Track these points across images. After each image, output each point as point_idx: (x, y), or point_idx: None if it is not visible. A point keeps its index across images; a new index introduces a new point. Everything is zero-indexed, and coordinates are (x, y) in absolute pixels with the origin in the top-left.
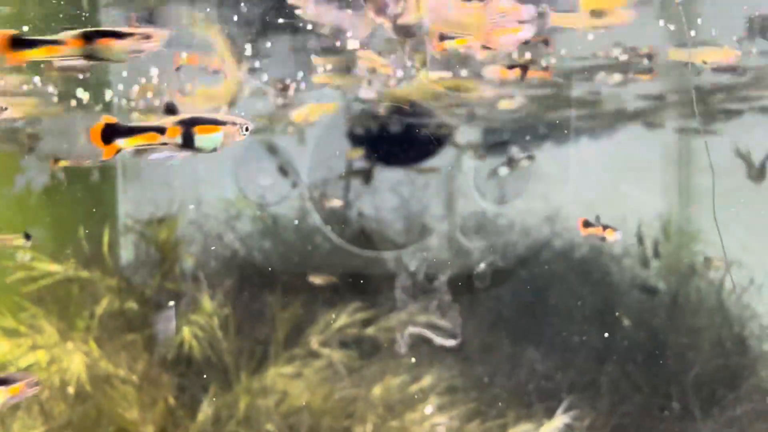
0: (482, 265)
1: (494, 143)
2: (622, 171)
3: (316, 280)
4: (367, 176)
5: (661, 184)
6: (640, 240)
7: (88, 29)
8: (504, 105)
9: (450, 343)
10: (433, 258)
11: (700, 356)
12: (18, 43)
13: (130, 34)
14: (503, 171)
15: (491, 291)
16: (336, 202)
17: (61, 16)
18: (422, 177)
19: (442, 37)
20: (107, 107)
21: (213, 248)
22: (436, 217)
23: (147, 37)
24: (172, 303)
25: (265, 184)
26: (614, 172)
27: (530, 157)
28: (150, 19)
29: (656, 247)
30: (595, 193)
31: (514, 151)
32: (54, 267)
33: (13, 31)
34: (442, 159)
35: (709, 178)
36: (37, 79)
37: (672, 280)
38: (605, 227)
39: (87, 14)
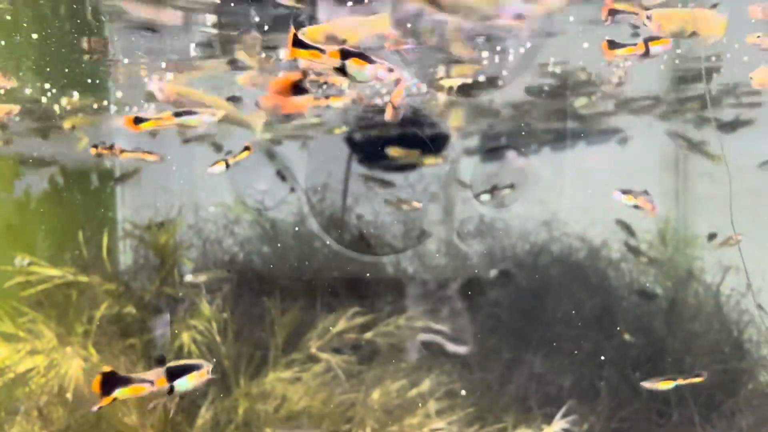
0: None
1: (491, 148)
2: (619, 176)
3: (197, 278)
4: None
5: (658, 189)
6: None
7: (348, 48)
8: None
9: (462, 349)
10: (433, 262)
11: (699, 361)
12: (296, 42)
13: (377, 62)
14: (486, 198)
15: (491, 295)
16: (416, 204)
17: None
18: (421, 182)
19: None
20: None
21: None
22: (434, 221)
23: (390, 70)
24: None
25: (262, 189)
26: (611, 176)
27: (512, 187)
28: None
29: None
30: (592, 198)
31: (499, 181)
32: (53, 271)
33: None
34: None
35: (706, 184)
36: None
37: (669, 285)
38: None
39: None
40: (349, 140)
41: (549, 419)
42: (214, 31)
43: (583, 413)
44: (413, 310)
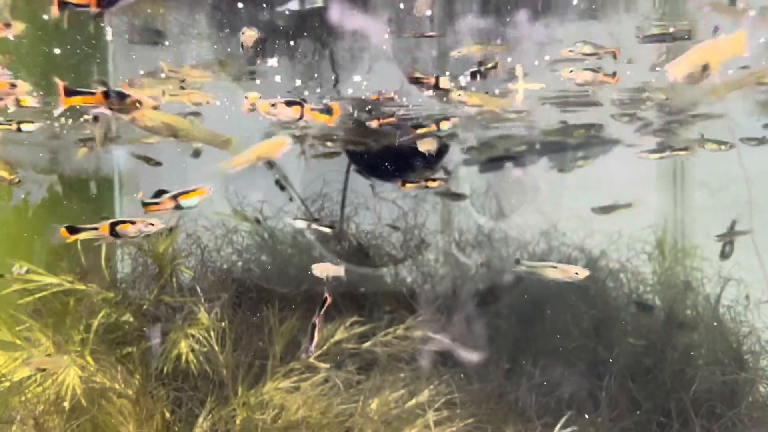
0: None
1: (492, 158)
2: (618, 186)
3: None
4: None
5: (655, 199)
6: None
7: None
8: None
9: (475, 357)
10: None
11: (698, 372)
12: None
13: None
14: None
15: (489, 305)
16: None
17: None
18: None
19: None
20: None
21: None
22: (433, 231)
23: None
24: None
25: (258, 199)
26: (609, 187)
27: None
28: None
29: None
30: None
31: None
32: (50, 279)
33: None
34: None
35: (704, 194)
36: None
37: (668, 297)
38: None
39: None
40: (348, 150)
41: (549, 429)
42: None
43: (583, 424)
44: (412, 319)
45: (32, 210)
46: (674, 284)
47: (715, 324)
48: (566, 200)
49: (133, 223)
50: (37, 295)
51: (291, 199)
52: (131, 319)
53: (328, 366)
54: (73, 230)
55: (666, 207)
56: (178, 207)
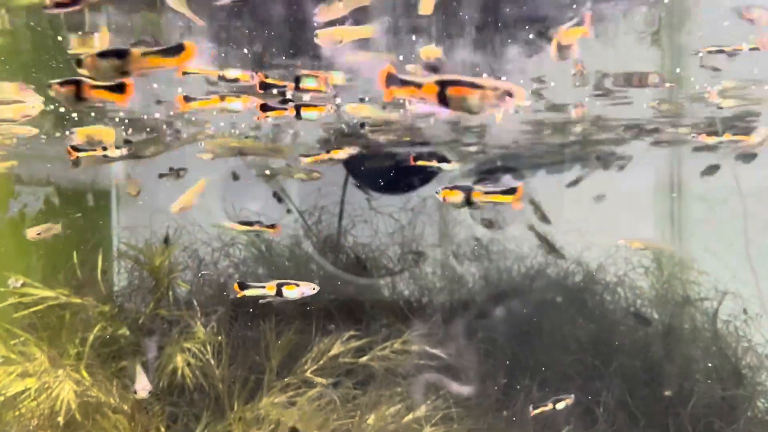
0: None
1: (486, 170)
2: (615, 199)
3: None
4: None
5: (653, 212)
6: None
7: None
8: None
9: (466, 390)
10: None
11: (696, 387)
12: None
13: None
14: None
15: (486, 318)
16: None
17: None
18: (417, 203)
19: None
20: None
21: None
22: (431, 243)
23: (506, 94)
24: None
25: (254, 210)
26: (607, 199)
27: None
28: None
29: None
30: (588, 221)
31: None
32: (46, 293)
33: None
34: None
35: (701, 208)
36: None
37: (665, 310)
38: None
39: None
40: (347, 163)
41: None
42: None
43: None
44: (409, 333)
45: (28, 222)
46: (671, 297)
47: (711, 337)
48: (564, 213)
49: (297, 285)
50: (32, 309)
51: (289, 211)
52: (127, 333)
53: (325, 382)
54: (242, 286)
55: (664, 220)
56: (298, 116)
